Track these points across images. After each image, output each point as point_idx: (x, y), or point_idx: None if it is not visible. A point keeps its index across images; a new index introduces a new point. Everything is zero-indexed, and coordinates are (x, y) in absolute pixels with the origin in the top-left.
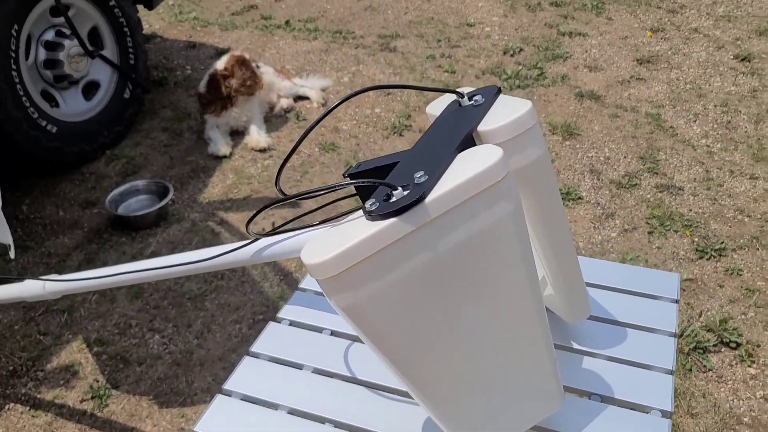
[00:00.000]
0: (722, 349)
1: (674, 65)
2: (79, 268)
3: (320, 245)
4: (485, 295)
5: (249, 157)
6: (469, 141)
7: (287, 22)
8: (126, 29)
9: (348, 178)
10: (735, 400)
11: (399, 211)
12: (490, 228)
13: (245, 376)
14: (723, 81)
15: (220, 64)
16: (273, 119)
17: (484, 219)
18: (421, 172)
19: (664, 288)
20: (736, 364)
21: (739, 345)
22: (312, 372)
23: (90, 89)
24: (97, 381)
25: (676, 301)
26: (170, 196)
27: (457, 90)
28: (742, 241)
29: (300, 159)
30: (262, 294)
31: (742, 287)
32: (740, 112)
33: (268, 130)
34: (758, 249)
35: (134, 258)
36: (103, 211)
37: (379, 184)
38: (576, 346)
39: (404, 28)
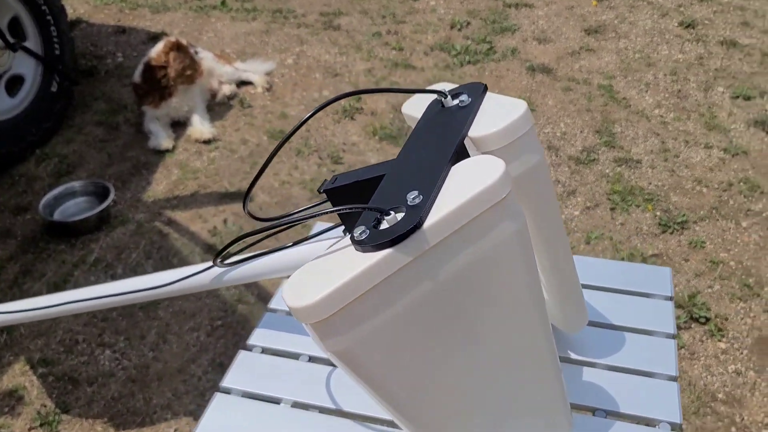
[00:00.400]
0: (692, 325)
1: (621, 34)
2: (15, 282)
3: (304, 282)
4: (490, 321)
5: (193, 149)
6: (462, 150)
7: (223, 2)
8: (49, 17)
9: (324, 194)
10: (708, 377)
11: (395, 240)
12: (494, 250)
13: (216, 417)
14: (670, 49)
15: (155, 51)
16: (216, 107)
17: (488, 241)
18: (415, 192)
19: (656, 284)
20: (707, 339)
21: (708, 320)
22: (291, 406)
23: (14, 84)
24: (45, 406)
25: (671, 298)
26: (111, 197)
27: (439, 90)
28: (702, 212)
29: (248, 149)
30: (219, 298)
31: (706, 260)
32: (689, 80)
33: (212, 119)
34: (718, 220)
35: (75, 267)
36: (37, 216)
37: (368, 209)
38: (574, 356)
39: (347, 5)
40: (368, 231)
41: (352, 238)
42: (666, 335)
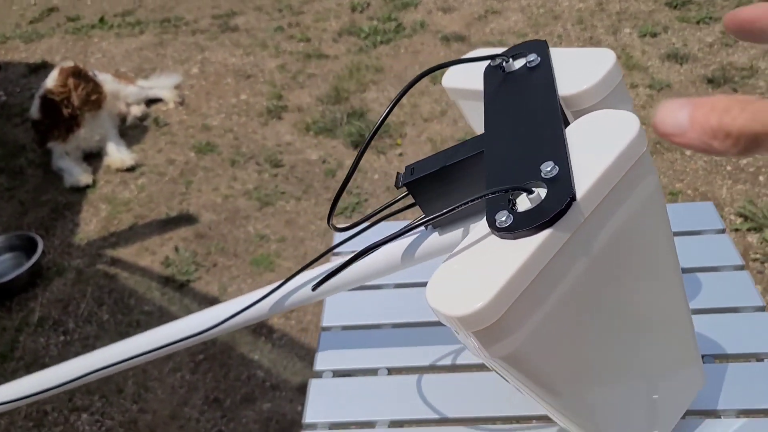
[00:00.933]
0: None
1: None
2: None
3: (454, 286)
4: (639, 284)
5: (117, 180)
6: (562, 112)
7: (101, 20)
8: None
9: (406, 189)
10: None
11: (554, 217)
12: (641, 207)
13: None
14: (570, 0)
15: (51, 81)
16: (129, 131)
17: (635, 199)
18: (550, 163)
19: (703, 220)
20: None
21: None
22: (389, 427)
23: None
24: None
25: (723, 231)
26: (40, 247)
27: (490, 54)
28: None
29: (177, 168)
30: None
31: (666, 193)
32: (596, 26)
33: (129, 145)
34: (664, 153)
35: (19, 331)
36: None
37: (511, 190)
38: None
39: (238, 4)
40: (511, 215)
41: (493, 225)
42: (735, 267)
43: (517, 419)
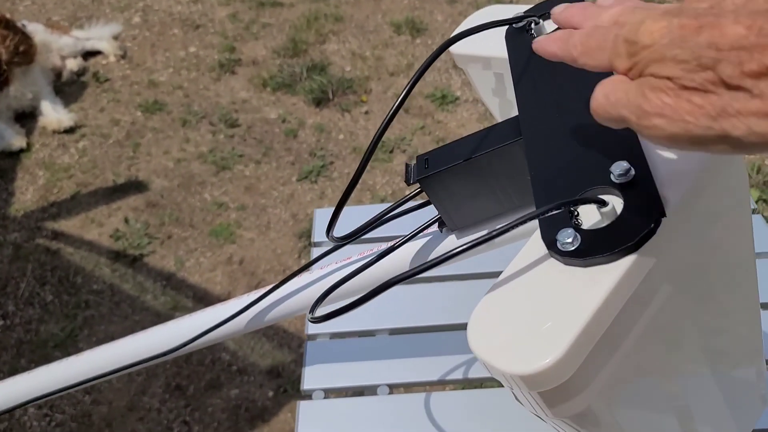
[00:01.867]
0: None
1: None
2: None
3: (508, 330)
4: (720, 301)
5: (55, 143)
6: None
7: None
8: None
9: (419, 185)
10: None
11: (639, 242)
12: (727, 210)
13: None
14: None
15: None
16: (66, 88)
17: (725, 201)
18: (623, 164)
19: (763, 241)
20: None
21: None
22: None
23: None
24: None
25: (755, 211)
26: None
27: (530, 15)
28: None
29: (123, 130)
30: (148, 310)
31: None
32: None
33: (67, 103)
34: None
35: None
36: None
37: (581, 202)
38: None
39: None
40: (577, 234)
41: (553, 246)
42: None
43: None
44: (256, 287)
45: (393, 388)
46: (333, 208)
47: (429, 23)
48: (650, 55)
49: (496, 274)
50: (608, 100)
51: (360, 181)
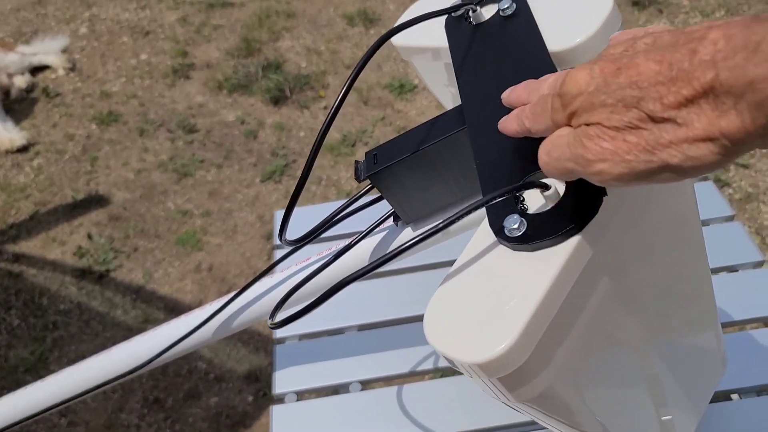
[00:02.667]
0: None
1: None
2: None
3: (461, 320)
4: (669, 267)
5: (8, 163)
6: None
7: None
8: None
9: (370, 181)
10: None
11: (582, 222)
12: (669, 191)
13: None
14: None
15: None
16: (15, 106)
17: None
18: None
19: (711, 207)
20: None
21: None
22: None
23: None
24: None
25: (732, 218)
26: None
27: (451, 6)
28: None
29: (78, 144)
30: (119, 325)
31: None
32: None
33: (17, 121)
34: None
35: None
36: None
37: (522, 188)
38: None
39: None
40: (523, 219)
41: (501, 233)
42: (725, 219)
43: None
44: (227, 293)
45: (365, 384)
46: (297, 209)
47: (382, 13)
48: (580, 103)
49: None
50: (551, 156)
51: (325, 177)
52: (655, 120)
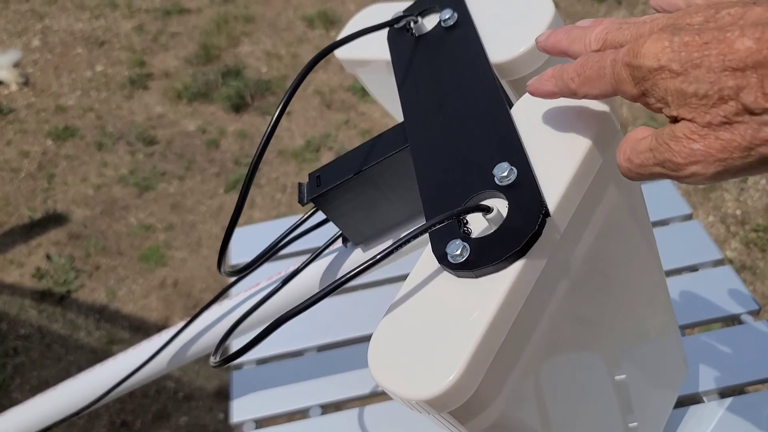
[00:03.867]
0: None
1: None
2: None
3: (407, 355)
4: (621, 283)
5: None
6: (498, 85)
7: None
8: None
9: (313, 205)
10: None
11: (525, 246)
12: (617, 200)
13: None
14: None
15: None
16: None
17: (611, 193)
18: (505, 165)
19: (669, 206)
20: None
21: None
22: None
23: None
24: None
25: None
26: None
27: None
28: None
29: (34, 161)
30: (83, 348)
31: None
32: None
33: None
34: None
35: None
36: None
37: (463, 213)
38: None
39: None
40: (466, 245)
41: (444, 260)
42: (683, 218)
43: None
44: (193, 308)
45: (326, 407)
46: (252, 225)
47: (342, 14)
48: (665, 85)
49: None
50: (633, 164)
51: (290, 185)
52: (753, 112)
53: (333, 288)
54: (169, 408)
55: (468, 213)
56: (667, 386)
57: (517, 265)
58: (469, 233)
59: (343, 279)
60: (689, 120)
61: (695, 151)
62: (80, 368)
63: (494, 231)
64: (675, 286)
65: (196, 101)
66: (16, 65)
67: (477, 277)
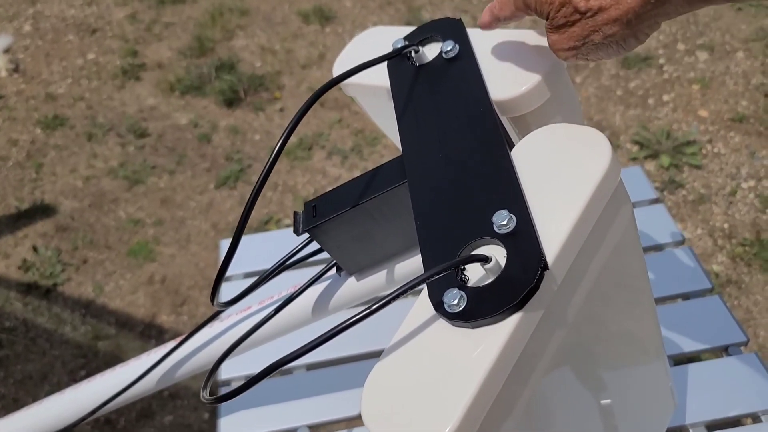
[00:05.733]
0: None
1: None
2: None
3: (400, 401)
4: (615, 327)
5: None
6: (500, 124)
7: None
8: None
9: (307, 234)
10: None
11: (523, 299)
12: (615, 249)
13: None
14: None
15: None
16: None
17: (609, 242)
18: (504, 213)
19: (662, 232)
20: None
21: None
22: None
23: None
24: None
25: (655, 199)
26: None
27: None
28: None
29: (23, 150)
30: (68, 342)
31: None
32: None
33: None
34: None
35: None
36: None
37: (461, 264)
38: None
39: None
40: (463, 294)
41: (441, 308)
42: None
43: None
44: (181, 306)
45: (314, 428)
46: (243, 237)
47: (338, 10)
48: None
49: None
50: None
51: (281, 183)
52: (582, 13)
53: (331, 336)
54: (154, 406)
55: (467, 263)
56: (655, 421)
57: (515, 318)
58: (466, 281)
59: (340, 328)
60: (548, 20)
61: (554, 41)
62: (64, 363)
63: (492, 281)
64: (665, 315)
65: (188, 94)
66: (7, 51)
67: (473, 327)
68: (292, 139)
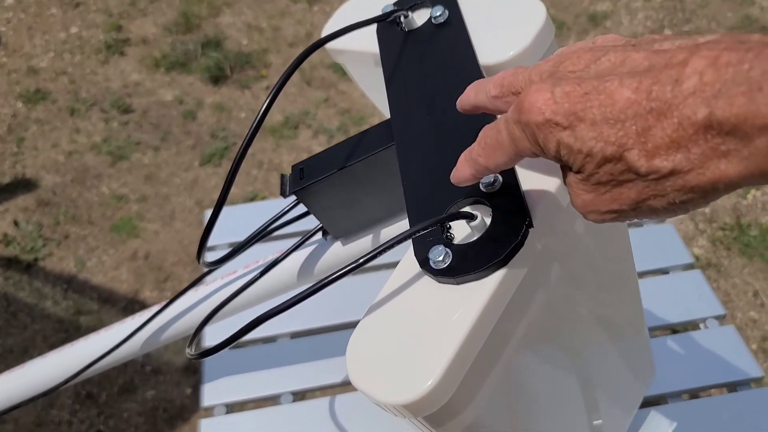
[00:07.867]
0: None
1: None
2: None
3: (384, 357)
4: (597, 292)
5: None
6: None
7: None
8: None
9: (294, 196)
10: None
11: (507, 255)
12: None
13: None
14: None
15: None
16: None
17: None
18: (492, 176)
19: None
20: None
21: None
22: None
23: None
24: None
25: None
26: None
27: (397, 9)
28: None
29: (3, 124)
30: (49, 317)
31: None
32: None
33: None
34: None
35: None
36: None
37: (447, 220)
38: None
39: None
40: (448, 251)
41: (426, 265)
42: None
43: None
44: (165, 282)
45: (298, 394)
46: (229, 207)
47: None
48: (556, 139)
49: (395, 264)
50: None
51: (266, 161)
52: (640, 174)
53: (314, 290)
54: (136, 381)
55: (452, 220)
56: (635, 386)
57: (498, 274)
58: (452, 239)
59: (325, 281)
60: (580, 179)
61: (587, 202)
62: (45, 337)
63: (477, 238)
64: (645, 288)
65: (173, 70)
66: None
67: (458, 284)
68: (278, 117)
